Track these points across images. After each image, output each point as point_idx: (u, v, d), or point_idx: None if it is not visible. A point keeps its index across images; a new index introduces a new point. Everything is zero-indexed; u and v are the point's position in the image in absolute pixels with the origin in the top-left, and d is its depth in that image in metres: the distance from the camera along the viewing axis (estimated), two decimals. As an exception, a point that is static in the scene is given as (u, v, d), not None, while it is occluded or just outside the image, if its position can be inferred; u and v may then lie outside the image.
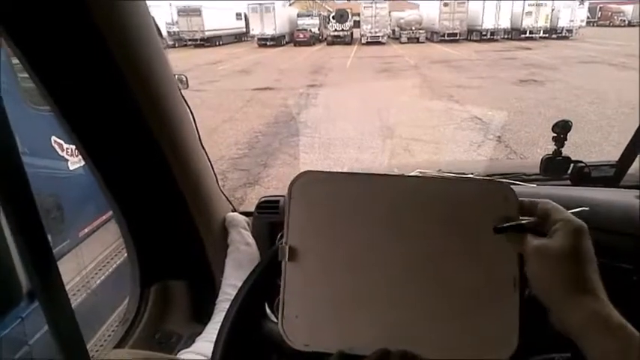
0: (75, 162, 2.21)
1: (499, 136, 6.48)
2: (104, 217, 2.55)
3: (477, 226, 0.53)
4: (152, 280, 0.90)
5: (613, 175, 1.28)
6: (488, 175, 1.36)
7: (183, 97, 0.77)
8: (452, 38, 27.75)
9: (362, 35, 28.96)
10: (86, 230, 2.35)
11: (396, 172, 1.35)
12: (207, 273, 0.90)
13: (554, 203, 0.54)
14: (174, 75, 0.86)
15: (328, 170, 0.55)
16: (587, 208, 0.57)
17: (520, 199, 0.55)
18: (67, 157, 2.18)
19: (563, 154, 1.26)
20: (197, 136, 0.84)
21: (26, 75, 1.49)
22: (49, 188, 2.04)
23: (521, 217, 0.54)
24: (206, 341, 0.83)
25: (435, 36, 28.78)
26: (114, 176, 0.69)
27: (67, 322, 0.48)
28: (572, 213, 0.53)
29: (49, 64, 0.57)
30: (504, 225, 0.53)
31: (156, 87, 0.66)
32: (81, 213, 2.34)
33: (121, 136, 0.66)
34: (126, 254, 2.53)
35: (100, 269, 2.38)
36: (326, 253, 0.52)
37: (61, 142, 2.11)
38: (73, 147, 2.21)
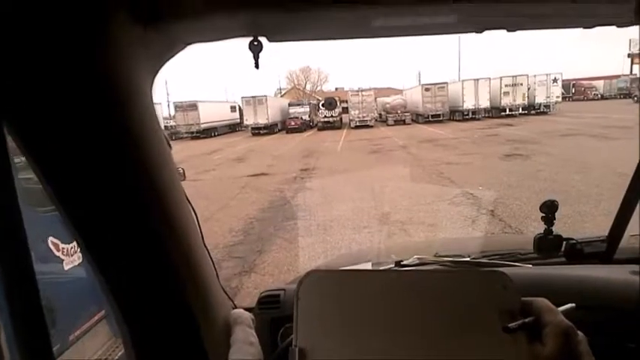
0: (69, 262, 2.19)
1: (492, 210, 6.57)
2: (94, 320, 2.48)
3: (480, 319, 0.53)
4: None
5: (605, 251, 1.31)
6: (485, 256, 1.37)
7: (185, 194, 0.79)
8: (436, 119, 29.40)
9: (351, 120, 30.59)
10: (76, 333, 2.27)
11: (394, 258, 1.36)
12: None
13: (547, 302, 0.54)
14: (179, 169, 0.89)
15: (332, 269, 0.57)
16: (573, 305, 0.58)
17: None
18: (62, 256, 2.17)
19: (554, 232, 1.29)
20: (200, 234, 0.86)
21: (25, 176, 1.53)
22: (43, 291, 2.03)
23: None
24: None
25: (420, 118, 30.45)
26: (116, 274, 0.68)
27: None
28: (561, 311, 0.54)
29: (55, 160, 0.57)
30: (512, 325, 0.53)
31: (162, 186, 0.68)
32: (72, 315, 2.29)
33: (124, 234, 0.66)
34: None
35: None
36: (335, 354, 0.51)
37: (58, 241, 2.12)
38: (69, 247, 2.19)
